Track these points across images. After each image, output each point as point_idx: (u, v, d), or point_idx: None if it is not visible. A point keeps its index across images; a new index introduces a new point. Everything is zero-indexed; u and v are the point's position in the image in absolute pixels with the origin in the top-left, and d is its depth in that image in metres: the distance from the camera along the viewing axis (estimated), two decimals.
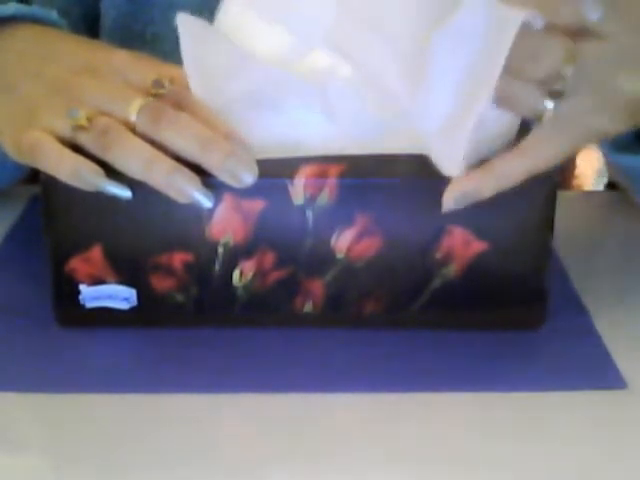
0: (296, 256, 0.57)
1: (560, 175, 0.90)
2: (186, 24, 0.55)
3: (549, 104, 0.52)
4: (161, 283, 0.58)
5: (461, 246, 0.57)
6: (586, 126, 0.54)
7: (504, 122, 0.55)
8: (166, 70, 0.58)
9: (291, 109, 0.56)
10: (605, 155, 0.69)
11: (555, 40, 0.52)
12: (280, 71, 0.56)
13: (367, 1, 0.56)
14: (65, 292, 0.59)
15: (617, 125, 0.55)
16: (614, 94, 0.53)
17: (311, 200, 0.56)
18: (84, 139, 0.55)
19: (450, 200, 0.55)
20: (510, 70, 0.52)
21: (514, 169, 0.54)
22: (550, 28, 0.52)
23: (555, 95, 0.52)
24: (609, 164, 0.78)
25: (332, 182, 0.56)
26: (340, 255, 0.57)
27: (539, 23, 0.52)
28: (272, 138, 0.56)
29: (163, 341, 0.59)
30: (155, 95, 0.56)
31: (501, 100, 0.53)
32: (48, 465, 0.51)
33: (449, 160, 0.55)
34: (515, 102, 0.53)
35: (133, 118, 0.55)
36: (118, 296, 0.58)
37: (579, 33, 0.52)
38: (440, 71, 0.53)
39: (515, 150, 0.54)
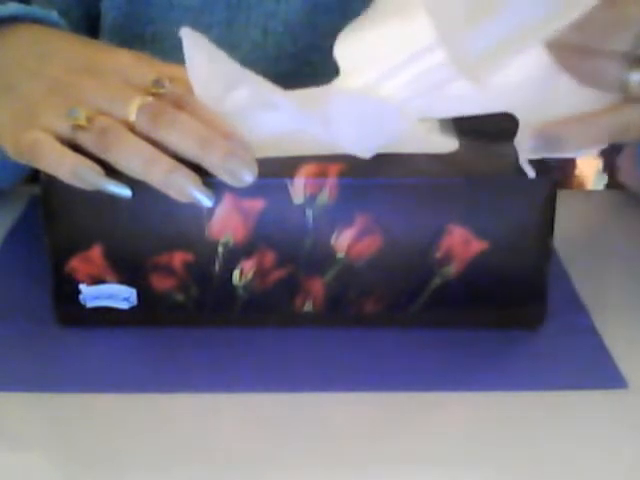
0: (296, 256, 0.57)
1: (560, 175, 0.91)
2: (190, 38, 0.55)
3: (634, 75, 0.51)
4: (161, 283, 0.58)
5: (461, 246, 0.57)
6: None
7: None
8: (166, 70, 0.58)
9: (291, 110, 0.56)
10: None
11: (635, 7, 0.50)
12: (274, 88, 0.56)
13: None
14: (65, 292, 0.59)
15: None
16: None
17: (311, 200, 0.56)
18: (84, 139, 0.55)
19: (532, 139, 0.53)
20: (591, 43, 0.50)
21: (602, 125, 0.52)
22: None
23: None
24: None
25: (332, 181, 0.56)
26: (340, 254, 0.57)
27: None
28: (272, 138, 0.56)
29: (163, 341, 0.59)
30: (155, 95, 0.56)
31: (581, 76, 0.52)
32: (48, 464, 0.51)
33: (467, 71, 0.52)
34: (597, 77, 0.52)
35: (133, 117, 0.55)
36: (118, 296, 0.58)
37: None
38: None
39: (607, 108, 0.53)
